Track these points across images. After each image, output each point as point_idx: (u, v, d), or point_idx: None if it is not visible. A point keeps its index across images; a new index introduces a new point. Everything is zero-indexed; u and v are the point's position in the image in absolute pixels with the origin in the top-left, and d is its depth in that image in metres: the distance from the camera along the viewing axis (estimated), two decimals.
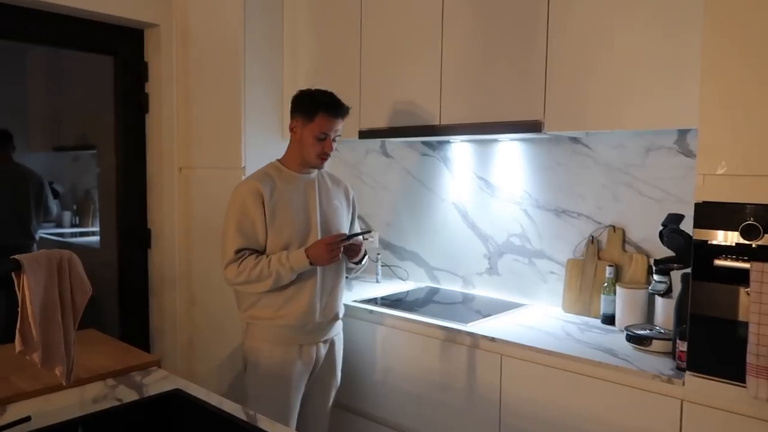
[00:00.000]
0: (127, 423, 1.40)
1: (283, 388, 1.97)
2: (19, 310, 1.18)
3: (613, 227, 2.18)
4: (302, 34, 2.76)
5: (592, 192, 2.25)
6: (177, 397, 1.47)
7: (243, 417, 1.33)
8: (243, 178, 2.49)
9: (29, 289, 1.15)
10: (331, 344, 2.10)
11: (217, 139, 2.72)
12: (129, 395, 1.46)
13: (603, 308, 2.10)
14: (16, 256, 1.16)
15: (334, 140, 1.98)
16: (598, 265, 2.19)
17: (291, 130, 2.01)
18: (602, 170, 2.21)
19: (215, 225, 2.66)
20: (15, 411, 1.33)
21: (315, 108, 1.94)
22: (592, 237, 2.23)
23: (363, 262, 2.12)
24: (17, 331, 1.16)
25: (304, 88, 2.48)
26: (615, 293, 2.06)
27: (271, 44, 2.73)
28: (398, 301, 2.47)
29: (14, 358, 1.26)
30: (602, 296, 2.11)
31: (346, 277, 2.15)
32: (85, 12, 2.55)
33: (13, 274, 1.18)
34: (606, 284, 2.10)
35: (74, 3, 2.48)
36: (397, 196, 2.90)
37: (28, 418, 1.15)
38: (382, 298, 2.48)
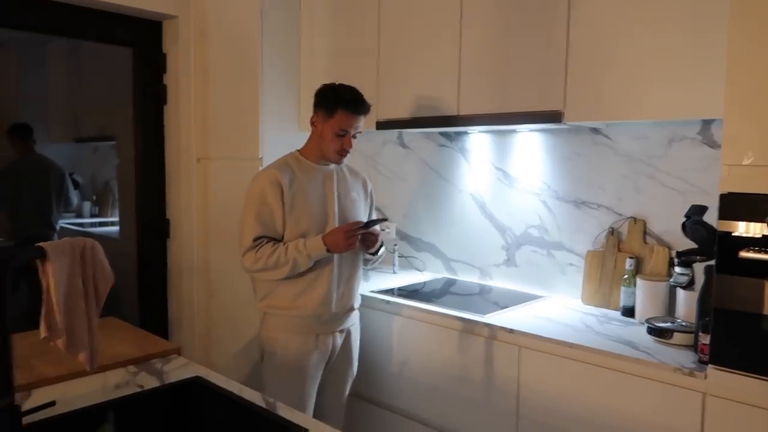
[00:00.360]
0: (149, 409, 1.42)
1: (299, 377, 1.98)
2: (43, 297, 1.19)
3: (634, 219, 2.16)
4: (320, 25, 2.75)
5: (612, 183, 2.22)
6: (197, 384, 1.49)
7: (262, 404, 1.34)
8: (260, 168, 2.50)
9: (53, 277, 1.16)
10: (348, 334, 2.10)
11: (235, 130, 2.73)
12: (150, 382, 1.47)
13: (623, 300, 2.08)
14: (40, 244, 1.17)
15: (353, 137, 1.97)
16: (618, 257, 2.16)
17: (312, 123, 2.00)
18: (623, 161, 2.18)
19: (233, 215, 2.66)
20: (39, 396, 1.35)
21: (336, 104, 1.93)
22: (613, 229, 2.21)
23: (380, 253, 2.12)
24: (42, 318, 1.17)
25: (321, 78, 2.46)
26: (635, 285, 2.03)
27: (288, 35, 2.72)
28: (415, 291, 2.46)
29: (38, 345, 1.28)
30: (622, 288, 2.08)
31: (364, 269, 2.16)
32: (104, 3, 2.56)
33: (37, 262, 1.20)
34: (626, 276, 2.07)
35: None
36: (414, 187, 2.89)
37: (52, 403, 1.17)
38: (399, 289, 2.48)
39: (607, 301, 2.18)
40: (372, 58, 2.55)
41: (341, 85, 1.98)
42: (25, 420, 1.11)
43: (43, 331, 1.17)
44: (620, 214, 2.20)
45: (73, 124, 4.71)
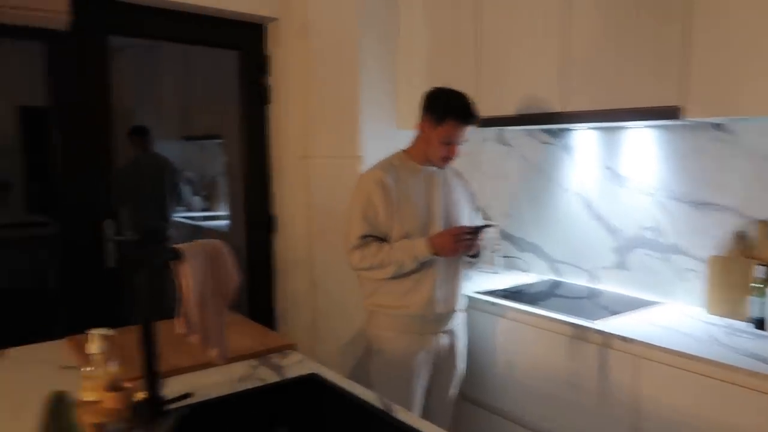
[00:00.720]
0: (270, 403, 1.48)
1: (405, 376, 2.00)
2: (180, 296, 1.27)
3: (765, 222, 1.99)
4: (418, 22, 2.74)
5: (738, 182, 2.05)
6: (313, 381, 1.54)
7: (379, 405, 1.36)
8: (360, 167, 2.55)
9: (189, 277, 1.24)
10: (453, 335, 2.10)
11: (335, 129, 2.79)
12: (270, 376, 1.54)
13: (753, 311, 1.92)
14: (177, 246, 1.25)
15: (459, 144, 1.96)
16: (746, 263, 2.00)
17: (419, 127, 2.00)
18: (750, 159, 2.01)
19: (335, 212, 2.73)
20: (173, 384, 1.44)
21: (445, 113, 1.92)
22: (739, 232, 2.04)
23: (480, 257, 2.11)
24: (179, 314, 1.26)
25: (419, 76, 2.45)
26: (767, 295, 1.87)
27: (386, 32, 2.73)
28: (519, 293, 2.41)
29: (165, 335, 1.36)
30: (752, 298, 1.92)
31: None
32: (211, 9, 2.69)
33: (173, 263, 1.28)
34: (757, 285, 1.91)
35: (201, 1, 2.61)
36: (516, 185, 2.83)
37: (190, 395, 1.25)
38: (503, 290, 2.43)
39: (733, 311, 2.02)
40: (472, 54, 2.51)
41: (452, 92, 1.96)
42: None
43: (180, 328, 1.26)
44: (748, 217, 2.03)
45: (182, 123, 5.01)
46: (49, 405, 0.87)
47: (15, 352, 1.74)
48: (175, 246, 1.28)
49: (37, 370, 1.61)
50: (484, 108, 2.39)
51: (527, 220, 2.78)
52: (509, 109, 2.37)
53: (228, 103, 3.31)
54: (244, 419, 1.43)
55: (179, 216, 4.62)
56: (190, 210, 4.88)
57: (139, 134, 4.10)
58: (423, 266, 1.95)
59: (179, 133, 5.01)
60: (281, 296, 3.05)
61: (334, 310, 2.81)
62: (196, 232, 4.49)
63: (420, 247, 1.90)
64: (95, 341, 1.31)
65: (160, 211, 4.12)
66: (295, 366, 1.61)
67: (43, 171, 4.06)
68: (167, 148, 4.59)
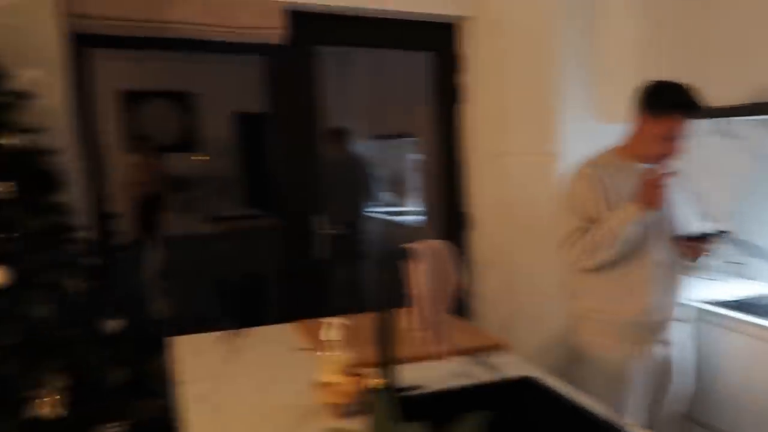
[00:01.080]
0: (484, 401, 1.49)
1: (618, 386, 1.89)
2: (410, 292, 1.34)
3: None
4: (624, 12, 2.54)
5: None
6: (527, 383, 1.51)
7: (607, 417, 1.29)
8: (558, 164, 2.48)
9: (422, 276, 1.31)
10: (671, 345, 1.94)
11: (531, 126, 2.72)
12: (483, 374, 1.55)
13: None
14: (413, 245, 1.32)
15: (681, 139, 1.80)
16: None
17: (635, 122, 1.88)
18: None
19: (532, 210, 2.68)
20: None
21: (666, 107, 1.78)
22: None
23: (701, 263, 1.95)
24: (413, 310, 1.33)
25: (624, 68, 2.28)
26: None
27: (587, 26, 2.59)
28: (752, 305, 2.13)
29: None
30: None
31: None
32: (404, 13, 2.77)
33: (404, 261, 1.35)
34: None
35: (397, 6, 2.70)
36: (743, 182, 2.51)
37: (419, 386, 1.31)
38: (733, 302, 2.17)
39: None
40: (693, 41, 2.25)
41: (673, 84, 1.81)
42: None
43: (414, 323, 1.33)
44: None
45: (372, 122, 5.28)
46: (377, 407, 0.96)
47: (251, 334, 1.97)
48: (406, 245, 1.35)
49: (275, 349, 1.82)
50: (708, 98, 2.16)
51: (759, 222, 2.45)
52: (740, 98, 2.11)
53: (418, 103, 3.39)
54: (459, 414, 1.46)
55: (371, 211, 4.88)
56: (380, 205, 5.13)
57: (338, 135, 4.41)
58: (637, 271, 1.84)
59: (370, 132, 5.28)
60: (477, 294, 3.05)
61: (530, 313, 2.74)
62: (387, 227, 4.72)
63: (628, 209, 1.79)
64: (334, 328, 1.44)
65: (354, 206, 4.40)
66: (509, 366, 1.61)
67: (258, 170, 4.58)
68: (358, 146, 4.87)
